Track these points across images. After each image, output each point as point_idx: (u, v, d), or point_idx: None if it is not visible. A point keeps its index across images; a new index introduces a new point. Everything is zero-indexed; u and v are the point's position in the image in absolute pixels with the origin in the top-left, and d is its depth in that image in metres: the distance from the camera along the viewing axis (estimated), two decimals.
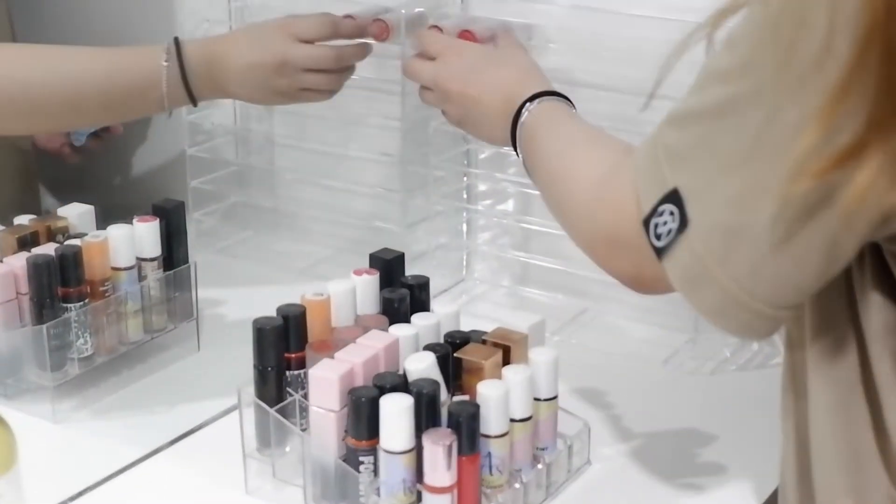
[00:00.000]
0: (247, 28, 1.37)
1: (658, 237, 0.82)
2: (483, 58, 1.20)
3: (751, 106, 0.75)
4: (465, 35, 1.26)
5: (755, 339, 0.90)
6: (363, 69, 1.53)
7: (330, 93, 1.34)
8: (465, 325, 1.16)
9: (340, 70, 1.32)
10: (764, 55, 0.74)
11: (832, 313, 0.83)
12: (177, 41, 1.27)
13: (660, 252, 0.82)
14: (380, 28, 1.36)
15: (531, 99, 1.10)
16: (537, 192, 1.47)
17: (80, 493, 1.11)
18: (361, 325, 1.14)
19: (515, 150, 1.11)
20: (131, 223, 1.30)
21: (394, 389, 1.01)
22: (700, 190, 0.79)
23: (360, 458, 1.02)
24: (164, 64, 1.26)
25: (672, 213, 0.80)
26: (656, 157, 0.83)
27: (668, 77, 0.84)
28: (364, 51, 1.35)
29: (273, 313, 1.12)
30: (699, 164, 0.79)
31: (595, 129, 1.05)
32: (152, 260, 1.31)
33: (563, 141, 1.04)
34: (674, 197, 0.80)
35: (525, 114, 1.09)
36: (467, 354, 1.08)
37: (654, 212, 0.82)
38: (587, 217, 0.94)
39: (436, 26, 1.29)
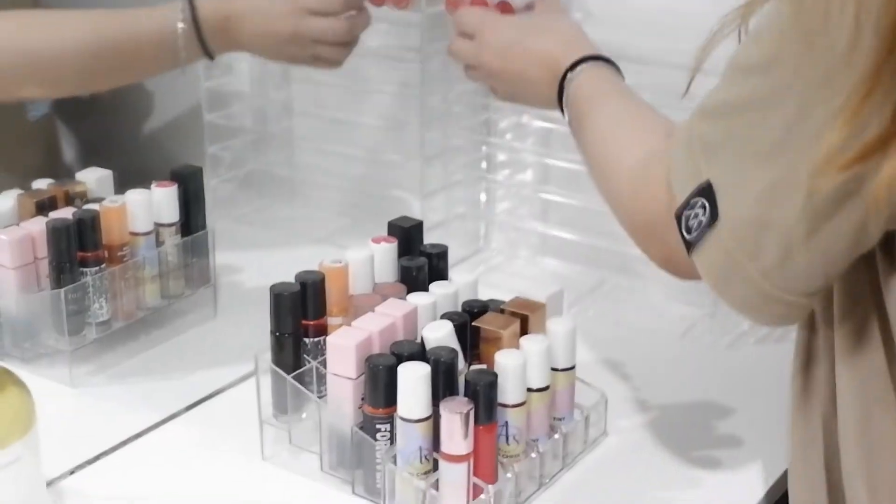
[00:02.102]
0: None
1: (689, 230, 0.82)
2: (520, 29, 1.17)
3: (778, 101, 0.75)
4: (503, 7, 1.24)
5: (784, 326, 0.90)
6: (382, 37, 1.53)
7: (339, 62, 1.34)
8: (483, 295, 1.16)
9: (350, 41, 1.33)
10: (790, 50, 0.74)
11: (856, 295, 0.82)
12: (191, 1, 1.27)
13: (690, 245, 0.83)
14: None
15: (573, 66, 1.08)
16: (556, 163, 1.49)
17: (97, 457, 1.12)
18: (380, 293, 1.14)
19: (563, 114, 1.10)
20: (149, 188, 1.30)
21: (411, 357, 1.01)
22: (731, 184, 0.79)
23: (377, 426, 1.02)
24: (181, 25, 1.26)
25: (703, 207, 0.81)
26: (691, 148, 0.83)
27: (706, 61, 0.84)
28: (369, 20, 1.34)
29: (291, 280, 1.12)
30: (730, 158, 0.79)
31: (636, 102, 1.04)
32: (170, 226, 1.31)
33: (605, 119, 1.03)
34: (706, 190, 0.80)
35: (568, 83, 1.08)
36: (485, 323, 1.08)
37: (686, 204, 0.82)
38: (626, 204, 0.95)
39: (476, 1, 1.26)
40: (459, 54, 1.23)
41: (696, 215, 0.81)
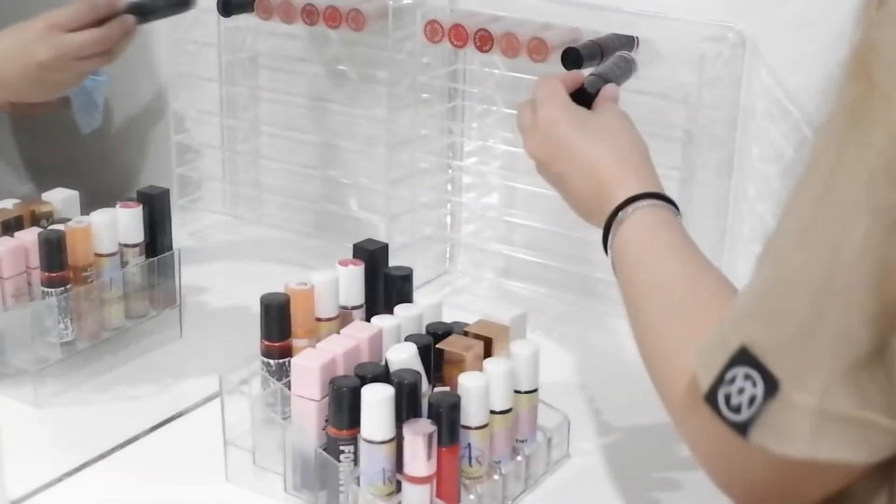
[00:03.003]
0: (9, 31, 1.32)
1: (736, 410, 0.70)
2: (575, 128, 1.04)
3: (826, 225, 0.68)
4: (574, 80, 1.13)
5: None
6: (351, 60, 1.54)
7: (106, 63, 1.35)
8: (448, 317, 1.17)
9: (110, 48, 1.33)
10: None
11: None
12: None
13: (743, 426, 0.70)
14: (356, 18, 1.38)
15: (626, 204, 0.97)
16: (522, 186, 1.50)
17: (61, 478, 1.11)
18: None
19: (606, 252, 0.99)
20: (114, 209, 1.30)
21: (375, 379, 1.02)
22: (779, 337, 0.69)
23: (341, 448, 1.03)
24: None
25: (748, 377, 0.70)
26: (720, 324, 0.73)
27: None
28: (129, 24, 1.34)
29: (257, 302, 1.12)
30: (770, 306, 0.70)
31: (695, 267, 0.91)
32: (135, 246, 1.31)
33: (657, 291, 0.91)
34: (742, 357, 0.70)
35: (618, 224, 0.97)
36: (449, 346, 1.09)
37: (720, 380, 0.71)
38: (682, 421, 0.82)
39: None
40: (518, 120, 1.10)
41: (743, 390, 0.70)
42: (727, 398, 0.71)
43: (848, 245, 0.66)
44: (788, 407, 0.68)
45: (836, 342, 0.67)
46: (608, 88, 1.11)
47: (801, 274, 0.69)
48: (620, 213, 0.97)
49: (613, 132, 1.04)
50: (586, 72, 1.16)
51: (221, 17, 1.55)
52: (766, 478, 0.73)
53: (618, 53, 1.24)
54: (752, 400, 0.69)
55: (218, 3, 1.51)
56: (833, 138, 0.68)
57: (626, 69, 1.20)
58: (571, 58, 1.26)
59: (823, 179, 0.68)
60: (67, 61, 1.29)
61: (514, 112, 1.38)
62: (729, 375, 0.71)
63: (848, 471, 0.71)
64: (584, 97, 1.10)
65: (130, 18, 1.35)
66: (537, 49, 1.31)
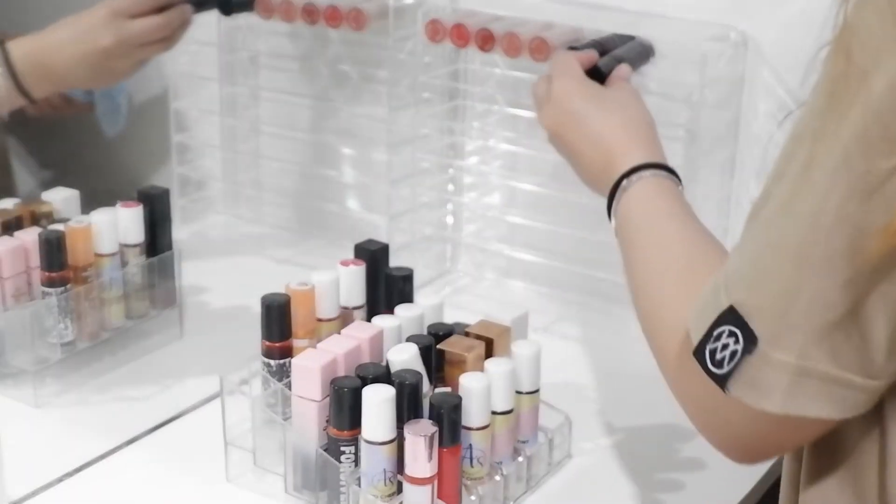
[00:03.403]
0: (71, 18, 1.33)
1: (718, 364, 0.75)
2: (590, 101, 1.09)
3: (807, 182, 0.71)
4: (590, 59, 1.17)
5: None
6: (352, 59, 1.54)
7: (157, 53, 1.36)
8: (449, 318, 1.17)
9: (169, 36, 1.34)
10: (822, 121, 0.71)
11: None
12: (2, 45, 1.28)
13: (723, 379, 0.75)
14: (356, 17, 1.38)
15: (631, 172, 1.01)
16: (523, 186, 1.50)
17: (61, 478, 1.11)
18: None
19: (609, 218, 1.02)
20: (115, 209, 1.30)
21: (376, 380, 1.02)
22: (763, 297, 0.73)
23: (342, 448, 1.02)
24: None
25: (733, 335, 0.74)
26: (715, 287, 0.77)
27: None
28: (188, 13, 1.36)
29: (257, 302, 1.12)
30: (756, 269, 0.74)
31: (694, 233, 0.94)
32: (135, 246, 1.31)
33: (656, 253, 0.94)
34: (730, 316, 0.74)
35: (622, 191, 1.00)
36: (450, 346, 1.08)
37: (708, 337, 0.75)
38: (672, 374, 0.85)
39: (574, 47, 1.19)
40: (533, 92, 1.15)
41: (727, 346, 0.74)
42: (712, 353, 0.75)
43: (826, 213, 0.69)
44: (765, 363, 0.72)
45: (813, 305, 0.71)
46: (621, 68, 1.16)
47: (784, 239, 0.72)
48: (625, 181, 1.00)
49: (624, 107, 1.09)
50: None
51: (221, 17, 1.55)
52: (746, 430, 0.77)
53: (636, 39, 1.25)
54: (733, 355, 0.74)
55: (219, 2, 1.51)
56: (815, 112, 0.71)
57: (642, 53, 1.23)
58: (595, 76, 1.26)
59: (806, 150, 0.71)
60: (129, 48, 1.30)
61: (515, 112, 1.39)
62: (717, 332, 0.75)
63: (822, 425, 0.75)
64: (597, 76, 1.13)
65: (188, 7, 1.37)
66: (539, 48, 1.31)
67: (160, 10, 1.34)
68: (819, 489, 0.80)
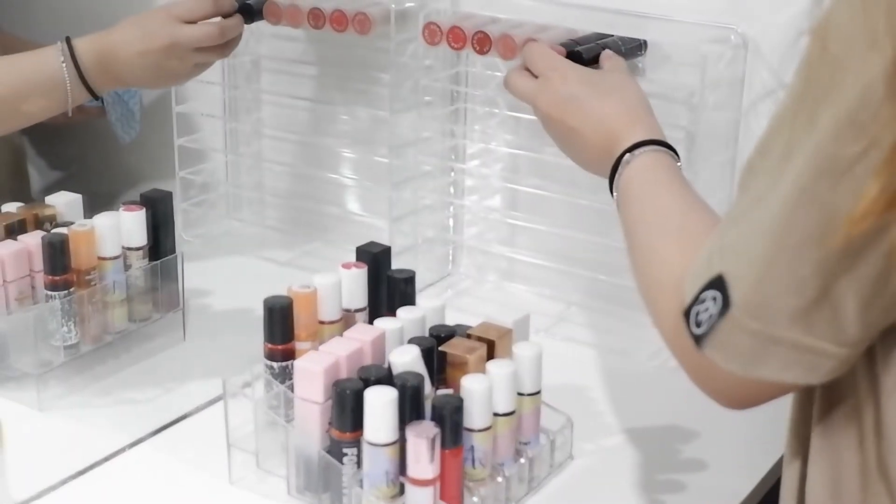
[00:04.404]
0: (134, 18, 1.38)
1: (698, 324, 0.80)
2: (587, 85, 1.13)
3: (789, 162, 0.74)
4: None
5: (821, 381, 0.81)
6: (354, 62, 1.54)
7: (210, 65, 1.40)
8: (451, 320, 1.17)
9: (226, 43, 1.38)
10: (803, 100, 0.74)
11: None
12: (68, 40, 1.32)
13: (699, 339, 0.80)
14: (361, 21, 1.39)
15: (632, 148, 1.05)
16: (524, 189, 1.50)
17: (64, 481, 1.12)
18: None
19: (612, 193, 1.06)
20: (118, 212, 1.30)
21: (378, 382, 1.02)
22: (744, 266, 0.77)
23: (344, 450, 1.03)
24: (63, 64, 1.31)
25: (714, 299, 0.79)
26: (710, 254, 0.81)
27: None
28: (242, 21, 1.40)
29: (260, 305, 1.12)
30: (743, 240, 0.78)
31: (690, 201, 0.99)
32: (138, 249, 1.31)
33: (655, 218, 0.98)
34: (717, 283, 0.79)
35: (624, 165, 1.05)
36: (452, 348, 1.09)
37: (696, 300, 0.80)
38: (668, 331, 0.88)
39: (533, 40, 1.24)
40: (517, 89, 1.18)
41: (707, 309, 0.79)
42: (696, 315, 0.80)
43: (801, 194, 0.73)
44: (736, 327, 0.77)
45: (787, 281, 0.74)
46: (607, 52, 1.22)
47: (766, 216, 0.75)
48: (627, 156, 1.05)
49: (620, 87, 1.13)
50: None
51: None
52: (727, 383, 0.81)
53: (614, 37, 1.29)
54: (710, 317, 0.79)
55: (240, 8, 1.51)
56: (794, 95, 0.75)
57: (622, 48, 1.27)
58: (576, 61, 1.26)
59: (787, 133, 0.75)
60: (183, 51, 1.34)
61: (517, 115, 1.39)
62: (703, 296, 0.79)
63: (796, 387, 0.81)
64: (578, 62, 1.19)
65: (241, 17, 1.40)
66: None
67: (222, 16, 1.37)
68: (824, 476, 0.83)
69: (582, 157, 1.12)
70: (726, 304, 0.78)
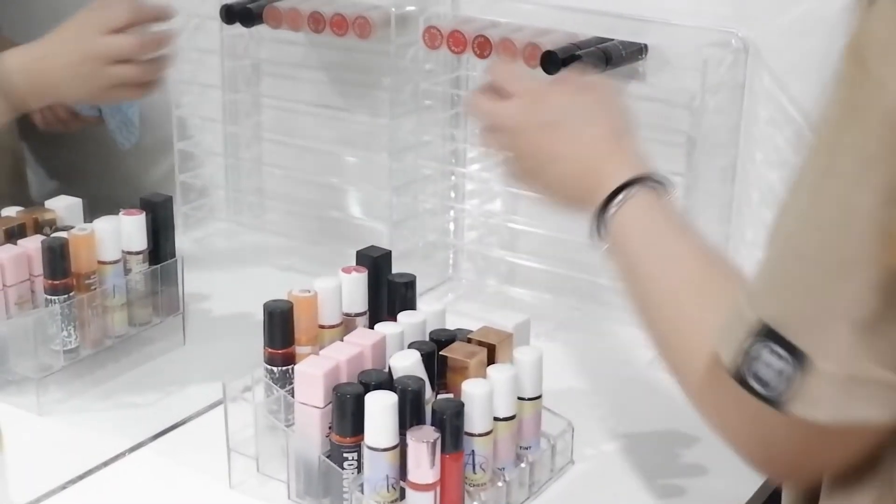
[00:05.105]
0: (63, 26, 1.30)
1: (766, 384, 0.73)
2: (569, 108, 1.04)
3: (828, 189, 0.71)
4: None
5: None
6: (354, 66, 1.54)
7: (145, 87, 1.31)
8: (451, 324, 1.17)
9: (151, 61, 1.31)
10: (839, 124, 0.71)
11: None
12: None
13: (777, 400, 0.73)
14: (361, 25, 1.39)
15: (624, 186, 0.97)
16: (525, 193, 1.50)
17: (64, 486, 1.11)
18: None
19: (596, 231, 0.99)
20: (118, 216, 1.30)
21: (378, 386, 1.02)
22: (799, 309, 0.72)
23: (344, 455, 1.03)
24: None
25: (774, 352, 0.73)
26: (736, 302, 0.76)
27: None
28: (168, 38, 1.32)
29: (260, 309, 1.12)
30: (786, 282, 0.73)
31: (703, 249, 0.93)
32: (138, 253, 1.31)
33: (666, 271, 0.91)
34: (765, 333, 0.73)
35: (617, 206, 0.96)
36: (452, 353, 1.09)
37: (745, 356, 0.74)
38: (703, 398, 0.84)
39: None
40: (483, 113, 1.09)
41: (770, 364, 0.73)
42: (755, 373, 0.73)
43: (853, 220, 0.70)
44: (817, 377, 0.71)
45: (849, 310, 0.70)
46: (584, 68, 1.15)
47: (810, 249, 0.72)
48: (616, 200, 0.96)
49: (609, 114, 1.04)
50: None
51: (224, 25, 1.56)
52: (793, 445, 0.76)
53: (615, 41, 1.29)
54: (780, 373, 0.72)
55: (240, 13, 1.51)
56: (833, 122, 0.72)
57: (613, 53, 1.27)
58: (551, 60, 1.28)
59: (825, 161, 0.71)
60: (101, 64, 1.27)
61: None
62: (754, 351, 0.73)
63: (872, 432, 0.74)
64: (554, 62, 1.17)
65: (165, 38, 1.33)
66: (532, 55, 1.31)
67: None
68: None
69: (558, 190, 1.04)
70: (795, 353, 0.72)
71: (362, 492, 1.02)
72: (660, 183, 0.98)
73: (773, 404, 0.73)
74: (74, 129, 1.59)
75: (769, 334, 0.73)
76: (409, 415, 1.01)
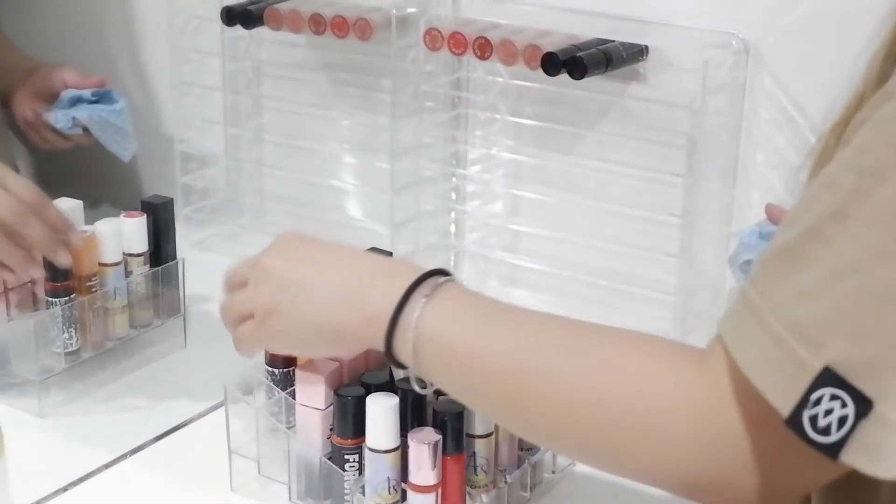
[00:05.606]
0: None
1: (824, 432, 0.67)
2: (303, 252, 1.00)
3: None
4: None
5: None
6: (355, 68, 1.54)
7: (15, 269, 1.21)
8: None
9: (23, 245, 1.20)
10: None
11: None
12: None
13: (834, 448, 0.66)
14: (362, 27, 1.39)
15: (414, 286, 0.86)
16: (526, 194, 1.50)
17: (66, 488, 1.11)
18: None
19: (397, 364, 0.89)
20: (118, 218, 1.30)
21: (380, 388, 1.02)
22: (868, 353, 0.66)
23: (346, 457, 1.03)
24: None
25: (837, 398, 0.66)
26: (778, 342, 0.69)
27: None
28: (57, 247, 1.21)
29: None
30: (850, 323, 0.66)
31: (550, 318, 0.87)
32: (139, 255, 1.31)
33: (543, 344, 0.84)
34: (827, 378, 0.66)
35: (417, 311, 0.86)
36: None
37: (804, 403, 0.67)
38: (672, 459, 0.79)
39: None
40: (228, 312, 1.00)
41: (830, 411, 0.66)
42: (813, 420, 0.67)
43: None
44: (883, 425, 0.66)
45: None
46: None
47: (886, 287, 0.66)
48: (417, 301, 0.87)
49: (353, 250, 1.00)
50: None
51: (224, 27, 1.56)
52: (822, 483, 0.74)
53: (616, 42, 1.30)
54: (842, 421, 0.66)
55: (240, 14, 1.51)
56: (881, 145, 0.66)
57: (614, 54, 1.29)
58: (552, 62, 1.29)
59: (891, 187, 0.65)
60: None
61: (518, 121, 1.38)
62: (814, 397, 0.67)
63: None
64: (554, 64, 1.20)
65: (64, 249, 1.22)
66: (533, 56, 1.31)
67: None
68: None
69: (322, 319, 0.92)
70: (862, 400, 0.66)
71: (363, 494, 1.02)
72: (448, 274, 0.89)
73: (827, 453, 0.67)
74: (65, 147, 1.59)
75: (833, 379, 0.66)
76: (411, 417, 1.01)
